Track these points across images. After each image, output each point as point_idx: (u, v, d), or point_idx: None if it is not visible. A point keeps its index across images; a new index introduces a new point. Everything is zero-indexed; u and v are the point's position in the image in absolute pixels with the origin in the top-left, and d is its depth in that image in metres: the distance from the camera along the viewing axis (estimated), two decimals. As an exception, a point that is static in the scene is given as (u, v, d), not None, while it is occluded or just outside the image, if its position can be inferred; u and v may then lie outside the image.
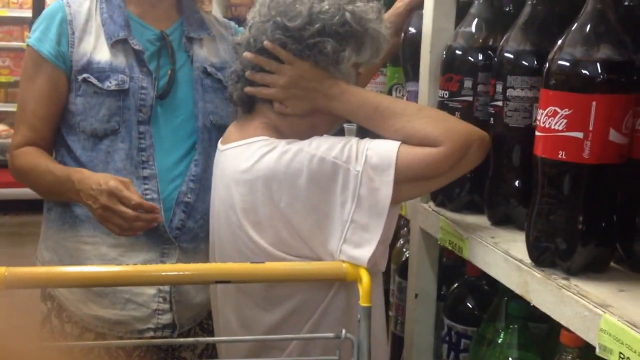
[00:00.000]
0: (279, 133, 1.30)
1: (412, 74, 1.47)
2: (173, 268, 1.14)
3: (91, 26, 1.58)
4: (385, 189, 1.16)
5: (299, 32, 1.25)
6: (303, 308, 1.26)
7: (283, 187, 1.19)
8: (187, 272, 1.12)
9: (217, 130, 1.65)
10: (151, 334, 1.59)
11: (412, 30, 1.47)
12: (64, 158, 1.59)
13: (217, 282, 1.10)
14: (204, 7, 1.77)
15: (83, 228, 1.59)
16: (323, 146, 1.19)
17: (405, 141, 1.19)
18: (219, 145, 1.39)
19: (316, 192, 1.18)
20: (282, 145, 1.22)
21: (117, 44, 1.57)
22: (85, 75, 1.54)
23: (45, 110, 1.58)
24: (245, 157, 1.25)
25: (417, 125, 1.19)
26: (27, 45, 1.61)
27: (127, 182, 1.42)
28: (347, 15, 1.25)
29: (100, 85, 1.54)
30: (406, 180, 1.18)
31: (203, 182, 1.57)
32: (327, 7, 1.25)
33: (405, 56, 1.50)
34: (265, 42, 1.27)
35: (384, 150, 1.18)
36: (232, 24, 1.83)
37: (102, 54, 1.56)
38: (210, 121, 1.62)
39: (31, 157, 1.56)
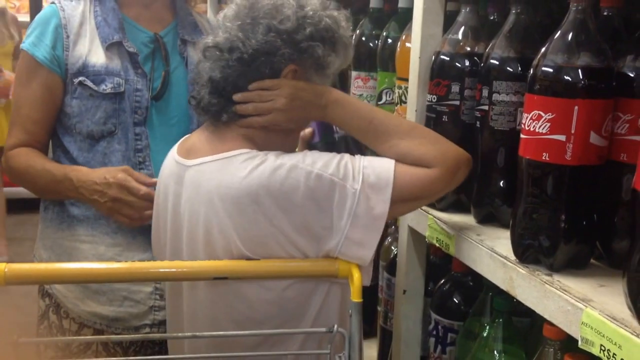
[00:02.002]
0: (255, 144, 1.22)
1: None
2: (170, 265, 1.14)
3: (85, 29, 1.56)
4: (382, 208, 1.13)
5: (291, 35, 1.19)
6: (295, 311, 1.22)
7: (277, 204, 1.12)
8: (183, 269, 1.12)
9: None
10: (147, 330, 1.59)
11: None
12: (61, 159, 1.58)
13: (215, 278, 1.10)
14: (197, 7, 1.76)
15: (81, 227, 1.58)
16: (318, 163, 1.14)
17: (399, 159, 1.16)
18: (180, 159, 1.26)
19: (312, 209, 1.13)
20: (272, 159, 1.14)
21: (112, 46, 1.55)
22: (81, 78, 1.53)
23: (40, 114, 1.56)
24: (229, 172, 1.15)
25: (411, 145, 1.17)
26: (22, 49, 1.59)
27: (130, 170, 1.43)
28: (329, 21, 1.22)
29: (96, 88, 1.53)
30: (400, 200, 1.15)
31: None
32: (310, 13, 1.21)
33: None
34: (237, 96, 1.19)
35: (380, 169, 1.15)
36: None
37: (97, 57, 1.55)
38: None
39: (25, 157, 1.54)
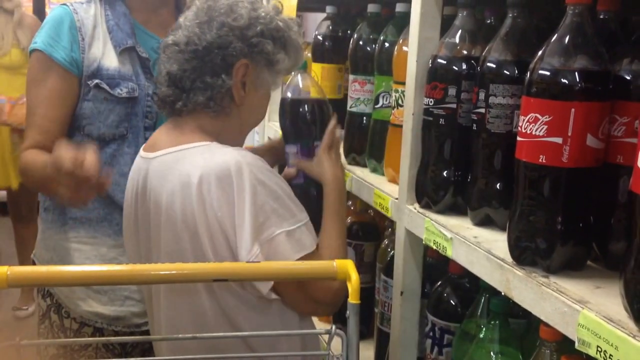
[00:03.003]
0: (211, 135, 1.30)
1: (293, 137, 1.51)
2: (171, 267, 1.13)
3: (98, 32, 1.55)
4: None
5: (243, 31, 1.27)
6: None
7: (229, 189, 1.19)
8: (184, 271, 1.10)
9: None
10: (148, 327, 1.57)
11: (289, 95, 1.51)
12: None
13: (215, 280, 1.09)
14: None
15: (82, 229, 1.58)
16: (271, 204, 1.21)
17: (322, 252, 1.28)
18: (144, 153, 1.33)
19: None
20: (228, 150, 1.23)
21: (125, 51, 1.55)
22: (96, 81, 1.51)
23: (57, 111, 1.53)
24: (189, 162, 1.22)
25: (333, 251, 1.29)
26: (35, 50, 1.55)
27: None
28: (280, 23, 1.31)
29: (111, 91, 1.52)
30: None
31: None
32: (263, 14, 1.29)
33: (284, 121, 1.52)
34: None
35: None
36: None
37: (111, 61, 1.54)
38: None
39: (32, 155, 1.51)
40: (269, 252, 1.19)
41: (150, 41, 1.59)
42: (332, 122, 1.48)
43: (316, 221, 1.36)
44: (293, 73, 1.50)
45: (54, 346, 1.62)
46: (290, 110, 1.49)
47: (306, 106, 1.49)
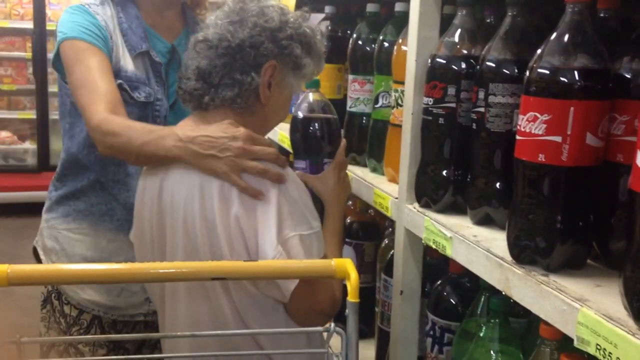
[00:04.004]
0: None
1: (302, 152, 1.49)
2: (171, 266, 1.13)
3: (116, 35, 1.54)
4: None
5: (274, 32, 1.29)
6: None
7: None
8: (183, 270, 1.10)
9: None
10: (142, 318, 1.66)
11: (301, 112, 1.49)
12: (91, 150, 1.53)
13: (213, 278, 1.09)
14: (204, 16, 1.74)
15: (85, 221, 1.62)
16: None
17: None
18: None
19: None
20: None
21: (138, 55, 1.55)
22: (119, 81, 1.51)
23: (113, 86, 1.45)
24: None
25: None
26: (67, 38, 1.47)
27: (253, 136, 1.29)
28: (307, 29, 1.33)
29: (132, 94, 1.52)
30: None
31: None
32: (292, 19, 1.32)
33: (295, 137, 1.50)
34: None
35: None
36: None
37: (127, 63, 1.54)
38: None
39: (123, 120, 1.39)
40: (282, 253, 1.20)
41: (159, 45, 1.59)
42: (343, 142, 1.50)
43: None
44: (306, 90, 1.51)
45: (55, 331, 1.66)
46: (301, 128, 1.50)
47: (317, 124, 1.50)
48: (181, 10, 1.68)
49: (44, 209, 1.70)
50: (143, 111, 1.54)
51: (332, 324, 1.07)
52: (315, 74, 1.40)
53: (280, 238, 1.20)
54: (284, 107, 1.38)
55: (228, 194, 1.22)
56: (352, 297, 1.05)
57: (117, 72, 1.51)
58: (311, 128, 1.50)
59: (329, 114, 1.51)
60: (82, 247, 1.62)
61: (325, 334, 1.10)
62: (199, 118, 1.33)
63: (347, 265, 1.11)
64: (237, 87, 1.29)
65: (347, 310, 1.06)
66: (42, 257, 1.68)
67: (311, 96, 1.51)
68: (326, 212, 1.44)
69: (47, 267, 1.10)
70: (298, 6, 2.02)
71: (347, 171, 1.52)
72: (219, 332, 1.27)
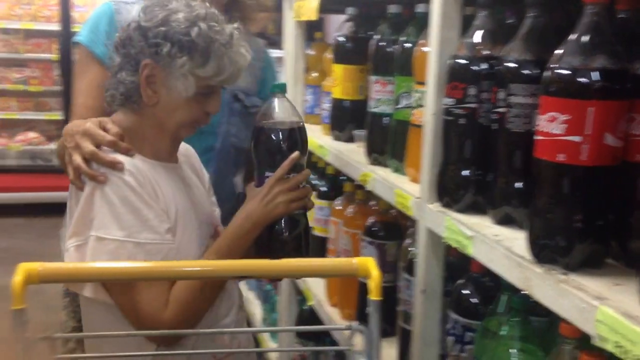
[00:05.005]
0: (125, 131, 1.35)
1: (267, 165, 1.38)
2: (196, 264, 1.16)
3: None
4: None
5: (146, 30, 1.29)
6: None
7: None
8: (209, 268, 1.13)
9: (235, 152, 1.66)
10: None
11: (258, 120, 1.39)
12: None
13: (239, 277, 1.12)
14: (252, 27, 1.76)
15: None
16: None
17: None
18: None
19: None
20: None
21: None
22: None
23: (94, 101, 1.56)
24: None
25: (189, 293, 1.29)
26: (78, 43, 1.61)
27: (104, 121, 1.35)
28: (195, 29, 1.28)
29: None
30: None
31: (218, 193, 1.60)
32: (181, 17, 1.29)
33: (260, 151, 1.39)
34: None
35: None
36: (262, 44, 1.80)
37: None
38: (230, 143, 1.63)
39: None
40: (69, 249, 1.29)
41: None
42: (294, 154, 1.36)
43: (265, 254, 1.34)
44: (270, 95, 1.40)
45: (76, 321, 1.69)
46: (253, 135, 1.39)
47: (263, 133, 1.37)
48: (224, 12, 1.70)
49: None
50: None
51: (355, 322, 1.09)
52: (219, 78, 1.32)
53: (75, 233, 1.27)
54: (179, 110, 1.33)
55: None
56: (374, 296, 1.07)
57: None
58: (259, 136, 1.38)
59: (289, 122, 1.37)
60: None
61: (348, 332, 1.12)
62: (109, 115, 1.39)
63: (368, 264, 1.14)
64: (122, 86, 1.32)
65: (368, 308, 1.09)
66: None
67: (274, 102, 1.39)
68: (229, 225, 1.37)
69: (77, 265, 1.14)
70: (321, 8, 2.04)
71: (368, 171, 1.51)
72: (235, 329, 1.28)
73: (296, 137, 1.38)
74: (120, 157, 1.29)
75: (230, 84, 1.37)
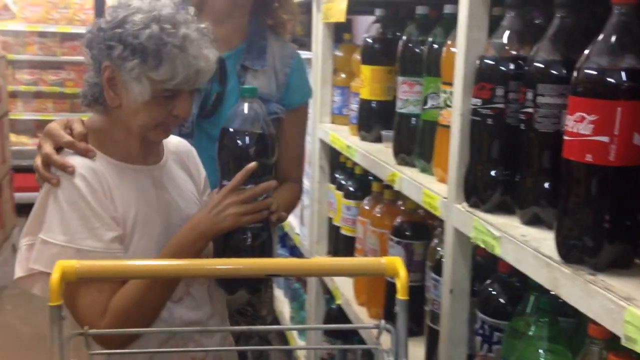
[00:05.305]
0: (94, 132, 1.36)
1: (227, 173, 1.32)
2: (227, 262, 1.18)
3: None
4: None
5: (103, 32, 1.27)
6: None
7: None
8: (239, 266, 1.15)
9: None
10: None
11: (231, 129, 1.31)
12: None
13: (268, 275, 1.13)
14: (286, 35, 1.77)
15: None
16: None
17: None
18: None
19: None
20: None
21: None
22: None
23: None
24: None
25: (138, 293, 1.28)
26: None
27: (73, 121, 1.35)
28: (146, 32, 1.23)
29: None
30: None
31: None
32: (137, 19, 1.24)
33: (223, 157, 1.33)
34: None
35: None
36: (293, 50, 1.79)
37: None
38: None
39: None
40: (20, 248, 1.30)
41: None
42: (250, 164, 1.28)
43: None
44: (240, 99, 1.33)
45: None
46: (218, 140, 1.33)
47: (228, 139, 1.30)
48: (247, 23, 1.70)
49: None
50: None
51: (382, 321, 1.10)
52: (178, 82, 1.26)
53: (28, 232, 1.30)
54: (140, 112, 1.29)
55: None
56: (402, 295, 1.08)
57: None
58: (221, 142, 1.32)
59: (253, 128, 1.30)
60: None
61: (375, 331, 1.13)
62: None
63: (396, 264, 1.14)
64: (88, 87, 1.34)
65: (396, 307, 1.09)
66: None
67: (238, 106, 1.33)
68: (176, 234, 1.32)
69: (113, 263, 1.16)
70: (349, 10, 2.05)
71: (396, 170, 1.49)
72: (257, 327, 1.30)
73: (260, 145, 1.30)
74: (77, 160, 1.28)
75: (193, 87, 1.31)
